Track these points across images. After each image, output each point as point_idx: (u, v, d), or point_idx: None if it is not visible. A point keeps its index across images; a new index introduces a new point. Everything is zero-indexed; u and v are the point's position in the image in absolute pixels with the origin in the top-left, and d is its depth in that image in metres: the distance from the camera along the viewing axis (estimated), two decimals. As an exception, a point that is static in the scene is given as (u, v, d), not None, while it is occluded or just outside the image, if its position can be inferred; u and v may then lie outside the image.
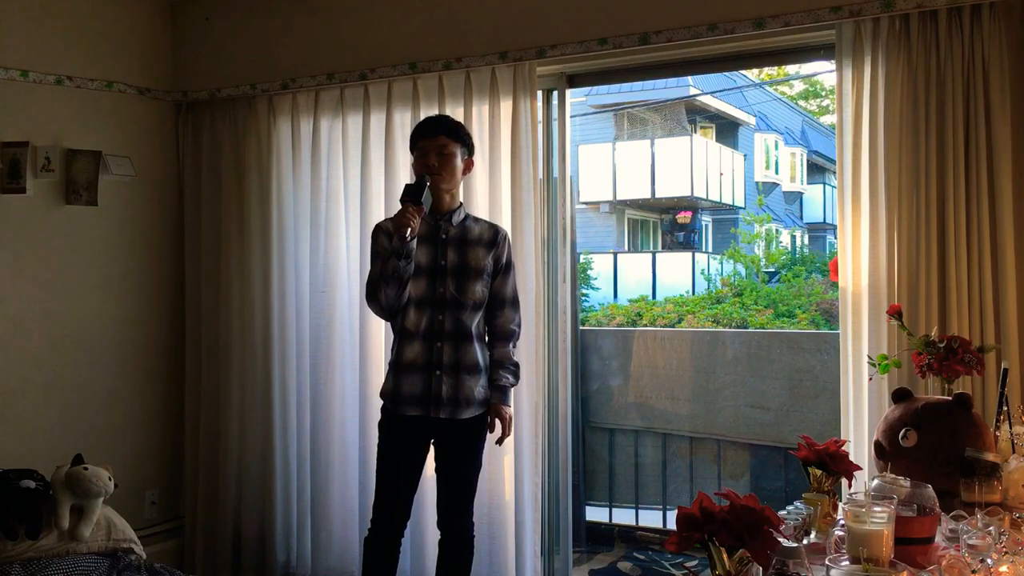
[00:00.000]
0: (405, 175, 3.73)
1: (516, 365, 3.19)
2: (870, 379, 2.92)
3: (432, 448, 3.19)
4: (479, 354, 3.11)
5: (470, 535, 3.20)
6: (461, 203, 3.21)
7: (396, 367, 3.13)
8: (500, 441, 3.16)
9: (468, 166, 3.20)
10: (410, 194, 2.97)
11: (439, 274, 3.08)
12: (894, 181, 2.95)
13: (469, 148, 3.19)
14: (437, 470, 3.19)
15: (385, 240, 3.05)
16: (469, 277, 3.09)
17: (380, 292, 3.04)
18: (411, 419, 3.10)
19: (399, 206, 2.97)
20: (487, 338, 3.18)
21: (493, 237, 3.16)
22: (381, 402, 3.17)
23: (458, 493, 3.15)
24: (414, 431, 3.13)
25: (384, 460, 3.19)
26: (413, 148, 3.15)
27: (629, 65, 3.61)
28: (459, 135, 3.14)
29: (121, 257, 4.16)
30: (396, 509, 3.16)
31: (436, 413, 3.06)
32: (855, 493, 2.15)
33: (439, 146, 3.08)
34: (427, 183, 3.00)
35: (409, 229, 2.92)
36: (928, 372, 2.49)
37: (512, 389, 3.19)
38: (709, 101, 15.46)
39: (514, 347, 3.19)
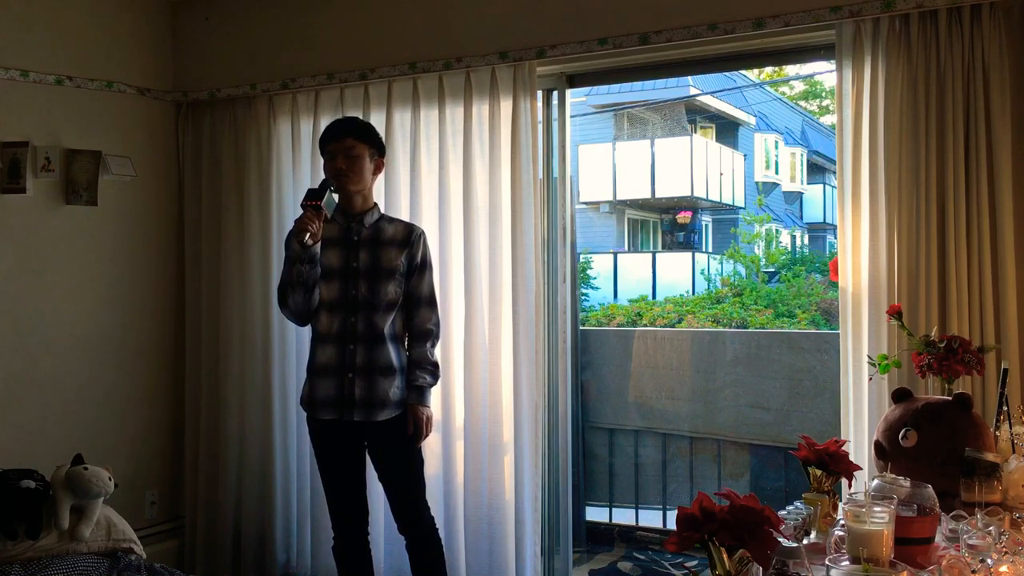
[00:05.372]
0: (405, 175, 3.73)
1: (434, 365, 3.14)
2: (870, 379, 2.91)
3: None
4: (394, 355, 3.07)
5: (432, 531, 3.18)
6: (376, 204, 3.20)
7: (310, 371, 3.13)
8: (418, 442, 3.11)
9: (379, 167, 3.19)
10: (311, 198, 2.94)
11: (352, 276, 3.06)
12: (894, 181, 2.95)
13: (379, 149, 3.18)
14: (378, 477, 3.18)
15: (296, 245, 3.00)
16: (381, 278, 3.06)
17: (288, 297, 3.04)
18: (329, 423, 3.09)
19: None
20: (406, 339, 3.16)
21: (407, 236, 3.13)
22: None
23: (403, 494, 3.14)
24: (335, 435, 3.11)
25: (320, 468, 3.20)
26: (322, 152, 3.14)
27: (629, 65, 3.61)
28: (367, 136, 3.12)
29: (121, 257, 4.16)
30: (348, 513, 3.16)
31: (350, 416, 3.04)
32: (855, 493, 2.15)
33: (346, 148, 3.07)
34: (330, 187, 2.99)
35: (308, 234, 2.90)
36: (928, 372, 2.49)
37: (430, 389, 3.13)
38: (709, 101, 15.45)
39: (432, 347, 3.14)
